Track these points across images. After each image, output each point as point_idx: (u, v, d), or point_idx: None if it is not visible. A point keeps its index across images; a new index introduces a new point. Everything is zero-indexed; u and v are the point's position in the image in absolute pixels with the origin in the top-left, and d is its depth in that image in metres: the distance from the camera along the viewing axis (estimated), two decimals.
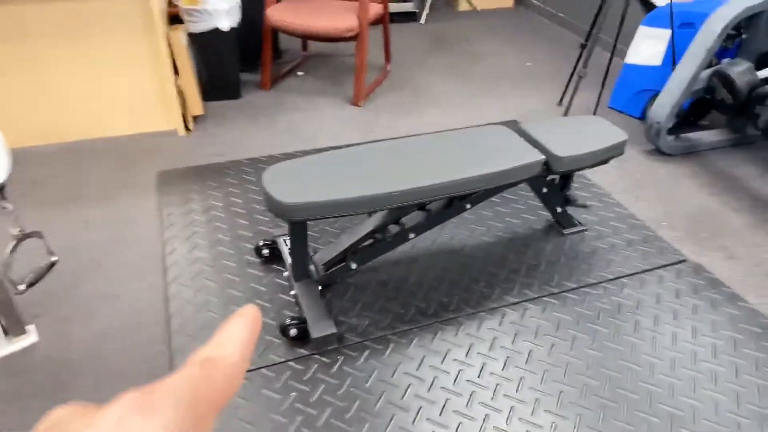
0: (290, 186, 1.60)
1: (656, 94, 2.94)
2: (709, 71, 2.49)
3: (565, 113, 2.76)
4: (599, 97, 2.82)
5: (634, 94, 3.04)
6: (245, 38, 3.16)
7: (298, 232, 1.72)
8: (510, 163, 1.75)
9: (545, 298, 1.89)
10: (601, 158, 1.91)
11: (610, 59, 2.76)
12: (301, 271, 1.81)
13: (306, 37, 2.95)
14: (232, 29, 2.88)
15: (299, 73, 3.47)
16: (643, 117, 3.05)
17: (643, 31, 2.92)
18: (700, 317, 1.83)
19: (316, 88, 3.31)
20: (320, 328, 1.66)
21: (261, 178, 1.64)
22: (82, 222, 2.17)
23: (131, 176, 2.45)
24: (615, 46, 2.71)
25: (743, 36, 2.64)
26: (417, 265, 2.01)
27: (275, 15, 2.95)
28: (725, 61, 2.56)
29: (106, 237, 2.10)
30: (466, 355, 1.68)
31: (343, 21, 2.89)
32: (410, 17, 4.41)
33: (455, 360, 1.66)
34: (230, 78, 3.07)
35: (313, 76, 3.46)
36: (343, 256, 1.82)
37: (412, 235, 1.86)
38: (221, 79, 3.05)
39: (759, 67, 2.43)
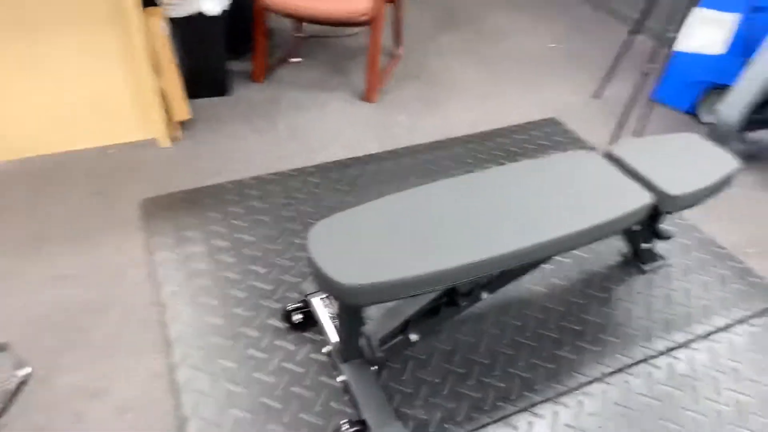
0: (346, 256, 1.18)
1: (712, 86, 2.60)
2: None
3: (623, 118, 2.38)
4: (651, 94, 2.45)
5: (684, 86, 2.68)
6: (232, 21, 2.64)
7: (353, 312, 1.31)
8: (615, 210, 1.37)
9: (644, 365, 1.55)
10: (714, 192, 1.55)
11: (670, 49, 2.37)
12: (351, 352, 1.41)
13: (310, 21, 2.46)
14: (220, 13, 2.36)
15: (294, 60, 2.97)
16: (691, 111, 2.71)
17: (700, 13, 2.53)
18: None
19: (317, 78, 2.82)
20: None
21: (307, 241, 1.22)
22: (49, 277, 1.70)
23: (108, 205, 1.97)
24: (677, 34, 2.32)
25: None
26: (485, 324, 1.63)
27: None
28: None
29: (86, 297, 1.64)
30: None
31: (356, 1, 2.40)
32: None
33: None
34: (218, 71, 2.57)
35: (311, 63, 2.96)
36: (404, 327, 1.43)
37: (485, 295, 1.48)
38: (207, 73, 2.54)
39: None
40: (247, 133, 2.38)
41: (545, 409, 1.42)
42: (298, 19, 2.44)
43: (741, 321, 1.69)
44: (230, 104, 2.58)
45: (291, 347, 1.52)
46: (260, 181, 2.10)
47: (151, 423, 1.35)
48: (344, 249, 1.19)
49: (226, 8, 2.36)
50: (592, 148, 2.39)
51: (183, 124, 2.37)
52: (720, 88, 2.54)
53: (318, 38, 3.19)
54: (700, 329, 1.65)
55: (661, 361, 1.56)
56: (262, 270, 1.75)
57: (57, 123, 2.13)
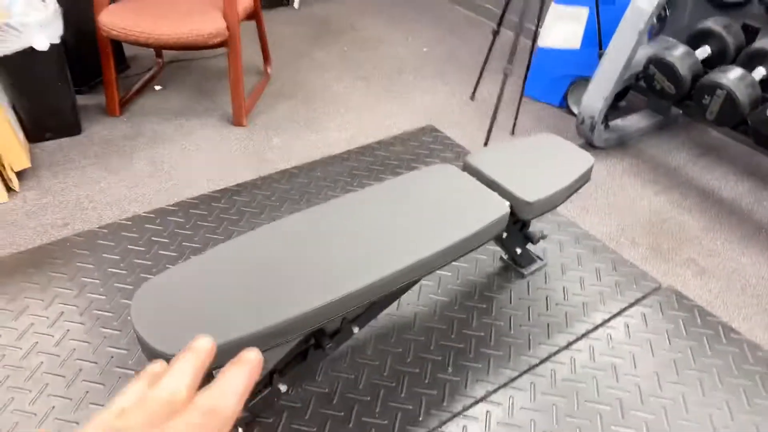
0: (172, 319, 1.05)
1: (576, 79, 2.67)
2: (642, 55, 2.23)
3: (492, 119, 2.38)
4: (522, 94, 2.48)
5: (551, 81, 2.74)
6: (75, 52, 2.41)
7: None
8: (474, 225, 1.32)
9: (528, 375, 1.52)
10: (572, 192, 1.55)
11: (533, 46, 2.41)
12: None
13: (157, 47, 2.28)
14: (53, 46, 2.13)
15: (157, 87, 2.77)
16: (562, 105, 2.78)
17: (556, 9, 2.60)
18: (700, 366, 1.57)
19: (181, 106, 2.64)
20: None
21: (130, 310, 1.08)
22: None
23: None
24: (537, 30, 2.36)
25: (667, 12, 2.40)
26: (363, 356, 1.54)
27: (112, 21, 2.23)
28: (654, 44, 2.31)
29: None
30: None
31: (207, 23, 2.25)
32: (280, 1, 3.79)
33: None
34: (63, 108, 2.33)
35: (176, 89, 2.78)
36: (269, 380, 1.31)
37: (356, 329, 1.39)
38: (51, 113, 2.30)
39: (692, 48, 2.20)
40: (101, 176, 2.17)
41: None
42: (146, 46, 2.25)
43: (617, 314, 1.71)
44: (81, 144, 2.35)
45: None
46: (114, 229, 1.91)
47: None
48: (169, 309, 1.06)
49: (56, 42, 2.13)
50: (464, 155, 2.38)
51: (23, 174, 2.12)
52: (585, 80, 2.62)
53: (180, 62, 3.00)
54: (580, 327, 1.65)
55: (545, 368, 1.54)
56: (116, 332, 1.56)
57: None
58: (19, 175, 2.09)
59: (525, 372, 1.52)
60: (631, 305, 1.74)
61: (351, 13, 3.71)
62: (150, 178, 2.15)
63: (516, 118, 2.51)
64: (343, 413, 1.40)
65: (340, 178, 2.22)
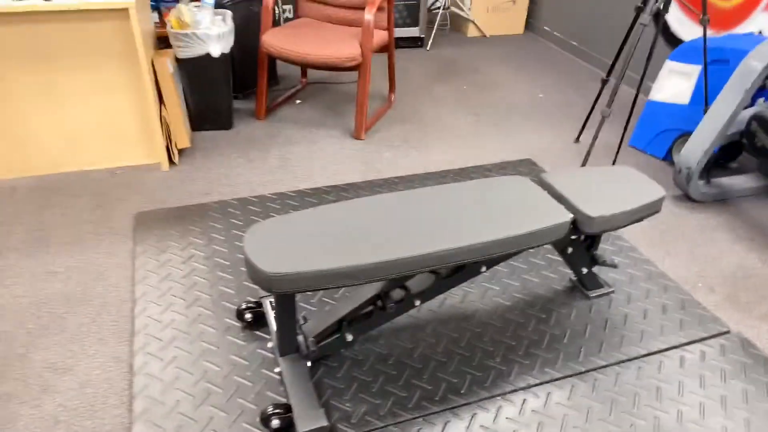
0: (276, 251, 1.35)
1: (682, 134, 2.72)
2: (747, 114, 2.26)
3: (586, 156, 2.52)
4: (622, 139, 2.59)
5: (657, 134, 2.80)
6: (239, 64, 2.94)
7: (285, 303, 1.47)
8: (533, 224, 1.50)
9: (571, 379, 1.63)
10: (636, 217, 1.67)
11: (636, 96, 2.52)
12: (287, 346, 1.55)
13: (304, 66, 2.73)
14: (224, 55, 2.66)
15: (297, 102, 3.25)
16: (666, 158, 2.82)
17: (669, 66, 2.69)
18: (751, 407, 1.57)
19: (314, 118, 3.08)
20: (308, 421, 1.39)
21: (243, 240, 1.40)
22: (44, 272, 1.92)
23: (106, 217, 2.20)
24: (642, 80, 2.48)
25: None
26: (422, 334, 1.75)
27: (271, 41, 2.72)
28: (761, 102, 2.33)
29: (70, 292, 1.84)
30: None
31: (345, 49, 2.67)
32: (415, 43, 4.20)
33: None
34: (222, 107, 2.84)
35: (312, 105, 3.23)
36: (338, 327, 1.56)
37: (418, 302, 1.61)
38: (212, 109, 2.82)
39: None
40: (241, 163, 2.62)
41: (465, 411, 1.51)
42: (293, 62, 2.71)
43: (675, 347, 1.75)
44: (230, 137, 2.84)
45: (241, 342, 1.67)
46: (242, 203, 2.31)
47: (106, 397, 1.50)
48: (273, 244, 1.36)
49: (226, 52, 2.65)
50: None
51: (183, 152, 2.63)
52: (689, 136, 2.67)
53: (320, 84, 3.48)
54: (633, 351, 1.72)
55: (589, 376, 1.64)
56: (229, 277, 1.92)
57: (72, 146, 2.42)
58: (180, 152, 2.60)
59: (569, 376, 1.64)
60: (692, 342, 1.77)
61: (477, 58, 4.02)
62: (278, 170, 2.56)
63: (614, 163, 2.61)
64: (395, 373, 1.61)
65: None
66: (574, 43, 4.14)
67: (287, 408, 1.42)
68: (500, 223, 1.49)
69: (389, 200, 1.57)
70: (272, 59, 3.29)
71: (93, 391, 1.52)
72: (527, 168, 2.69)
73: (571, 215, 1.57)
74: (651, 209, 1.69)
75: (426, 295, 1.61)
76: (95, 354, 1.63)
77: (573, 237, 1.75)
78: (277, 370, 1.57)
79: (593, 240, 1.83)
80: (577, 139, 2.97)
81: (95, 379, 1.55)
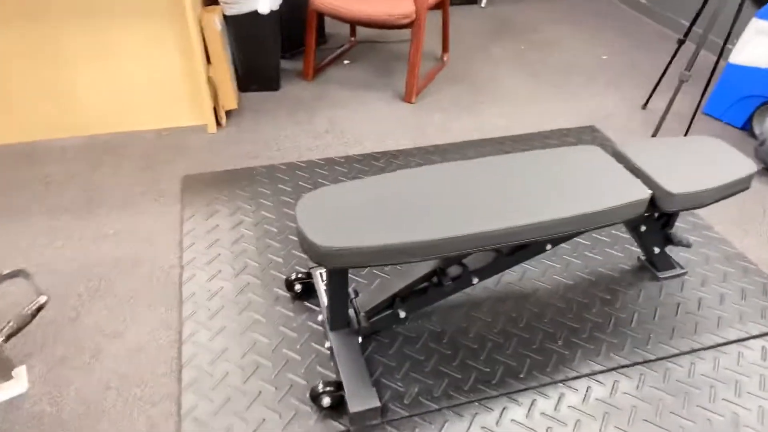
0: (330, 223, 1.27)
1: (766, 101, 2.47)
2: None
3: (659, 124, 2.32)
4: (698, 105, 2.37)
5: (737, 101, 2.56)
6: (286, 22, 2.82)
7: (338, 277, 1.39)
8: (608, 201, 1.37)
9: (640, 367, 1.51)
10: (722, 195, 1.50)
11: (717, 59, 2.29)
12: (338, 321, 1.49)
13: (355, 23, 2.59)
14: (273, 12, 2.54)
15: (346, 62, 3.12)
16: (745, 127, 2.59)
17: (756, 25, 2.43)
18: None
19: (363, 79, 2.95)
20: (359, 401, 1.33)
21: (295, 209, 1.32)
22: (94, 234, 1.90)
23: (154, 179, 2.17)
24: (726, 42, 2.24)
25: None
26: (479, 312, 1.66)
27: None
28: None
29: (120, 255, 1.82)
30: None
31: (398, 6, 2.51)
32: (469, 0, 3.97)
33: None
34: (270, 67, 2.75)
35: (361, 65, 3.10)
36: (391, 302, 1.49)
37: (476, 280, 1.51)
38: (260, 69, 2.73)
39: None
40: (288, 125, 2.54)
41: (524, 397, 1.43)
42: (344, 20, 2.58)
43: (756, 336, 1.61)
44: (277, 98, 2.75)
45: (290, 314, 1.62)
46: (291, 167, 2.24)
47: (155, 365, 1.49)
48: (328, 215, 1.28)
49: (275, 9, 2.54)
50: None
51: (230, 113, 2.57)
52: None
53: (369, 43, 3.33)
54: (708, 339, 1.59)
55: (660, 365, 1.52)
56: (278, 245, 1.87)
57: (121, 106, 2.38)
58: (228, 114, 2.54)
59: (638, 363, 1.52)
60: None
61: (536, 16, 3.77)
62: (326, 134, 2.47)
63: (687, 133, 2.41)
64: (450, 352, 1.53)
65: None
66: (643, 1, 3.83)
67: (338, 385, 1.37)
68: (571, 198, 1.36)
69: (447, 170, 1.46)
70: (321, 17, 3.15)
71: (143, 358, 1.50)
72: (590, 136, 2.51)
73: (650, 191, 1.43)
74: (739, 186, 1.52)
75: (485, 272, 1.51)
76: (145, 320, 1.61)
77: (648, 214, 1.61)
78: (327, 345, 1.51)
79: (669, 218, 1.68)
80: (645, 105, 2.76)
81: (146, 346, 1.54)
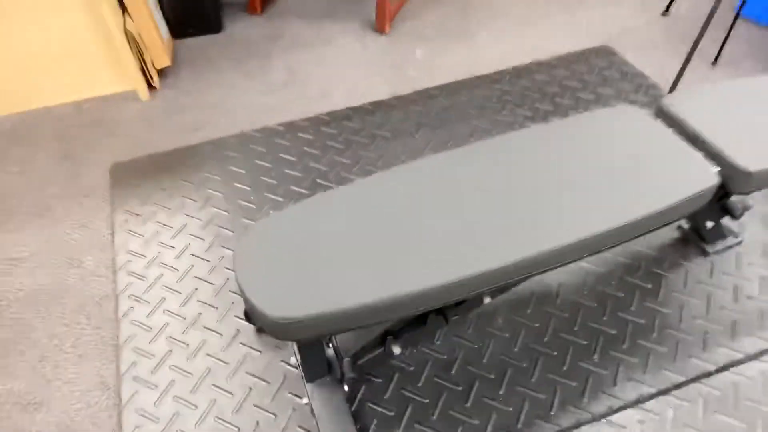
0: (283, 278, 0.90)
1: None
2: None
3: (696, 41, 1.87)
4: (739, 10, 1.91)
5: None
6: None
7: (308, 346, 1.04)
8: (666, 198, 0.99)
9: (698, 385, 1.21)
10: None
11: None
12: (314, 371, 1.15)
13: None
14: None
15: None
16: None
17: None
18: None
19: (324, 7, 2.43)
20: None
21: (233, 257, 0.95)
22: (4, 260, 1.52)
23: (75, 173, 1.75)
24: None
25: None
26: (493, 325, 1.32)
27: None
28: None
29: (37, 286, 1.45)
30: None
31: None
32: None
33: None
34: (206, 4, 2.22)
35: None
36: (382, 339, 1.15)
37: (487, 300, 1.16)
38: (194, 7, 2.21)
39: None
40: (238, 80, 2.07)
41: None
42: None
43: None
44: (222, 43, 2.25)
45: (255, 352, 1.29)
46: (243, 140, 1.81)
47: None
48: (278, 267, 0.91)
49: None
50: (653, 90, 1.92)
51: (164, 72, 2.09)
52: None
53: None
54: None
55: (722, 379, 1.22)
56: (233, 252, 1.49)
57: (21, 77, 1.89)
58: (161, 72, 2.06)
59: (694, 380, 1.22)
60: None
61: None
62: (284, 87, 2.01)
63: (723, 45, 1.97)
64: (461, 388, 1.22)
65: (487, 105, 1.91)
66: None
67: None
68: (619, 199, 0.99)
69: (437, 166, 1.07)
70: None
71: None
72: (605, 60, 2.06)
73: (717, 168, 1.05)
74: None
75: (498, 290, 1.16)
76: (74, 379, 1.27)
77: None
78: (305, 401, 1.19)
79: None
80: (666, 11, 2.28)
81: (77, 418, 1.21)
